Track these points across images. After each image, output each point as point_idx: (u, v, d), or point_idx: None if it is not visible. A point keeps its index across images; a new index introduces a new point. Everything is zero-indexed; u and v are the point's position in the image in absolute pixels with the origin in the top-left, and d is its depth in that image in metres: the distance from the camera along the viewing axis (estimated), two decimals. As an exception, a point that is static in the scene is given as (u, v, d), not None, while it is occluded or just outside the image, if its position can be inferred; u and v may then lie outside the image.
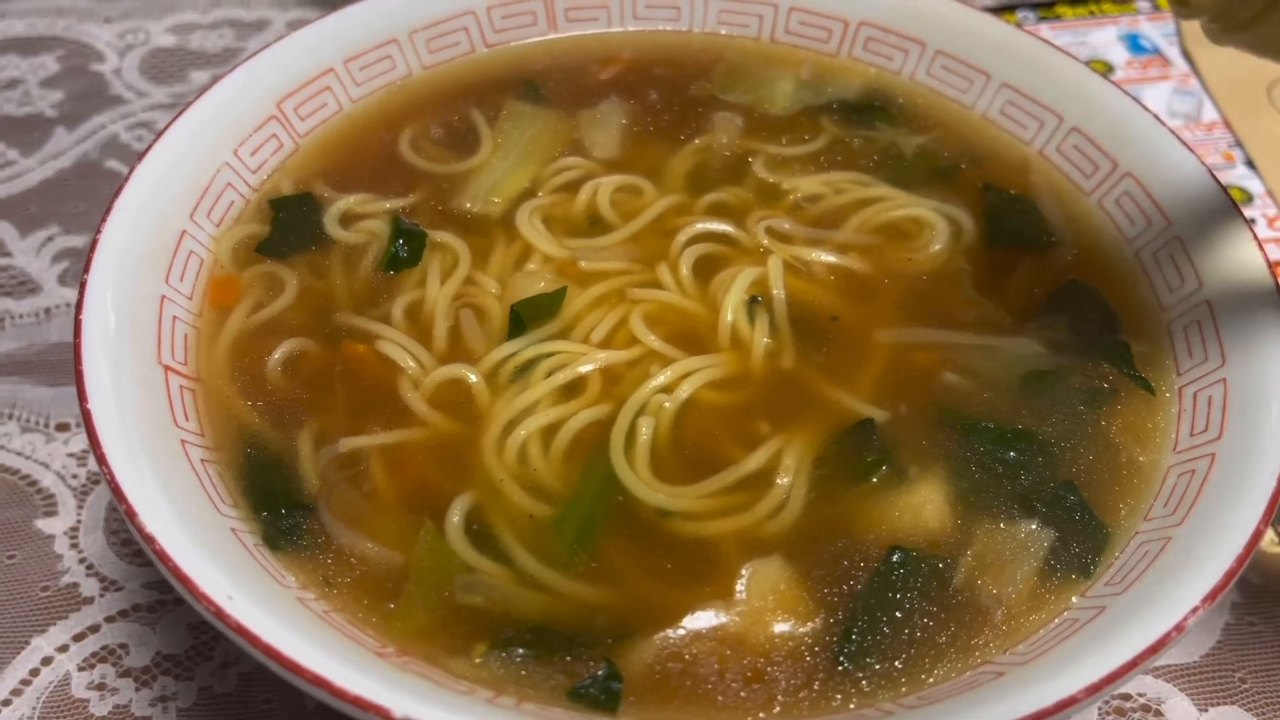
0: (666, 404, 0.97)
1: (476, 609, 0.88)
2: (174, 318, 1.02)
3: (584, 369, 1.01)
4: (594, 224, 1.14)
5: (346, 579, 0.87)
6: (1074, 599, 0.89)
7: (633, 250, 1.14)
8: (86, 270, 0.97)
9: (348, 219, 1.12)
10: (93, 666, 1.03)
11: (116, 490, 0.82)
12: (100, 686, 1.02)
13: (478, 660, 0.84)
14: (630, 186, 1.20)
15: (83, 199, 1.50)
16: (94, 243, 0.99)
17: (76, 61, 1.71)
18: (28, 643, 1.05)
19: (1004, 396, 1.00)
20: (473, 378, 1.01)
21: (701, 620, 0.87)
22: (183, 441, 0.93)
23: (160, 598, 1.07)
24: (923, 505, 0.93)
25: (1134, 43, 1.73)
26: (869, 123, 1.26)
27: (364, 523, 0.90)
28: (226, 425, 0.98)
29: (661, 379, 0.98)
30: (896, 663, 0.85)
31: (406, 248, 1.08)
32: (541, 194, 1.18)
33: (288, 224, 1.11)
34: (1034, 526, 0.93)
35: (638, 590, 0.89)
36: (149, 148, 1.09)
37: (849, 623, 0.85)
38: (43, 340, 1.34)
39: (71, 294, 1.38)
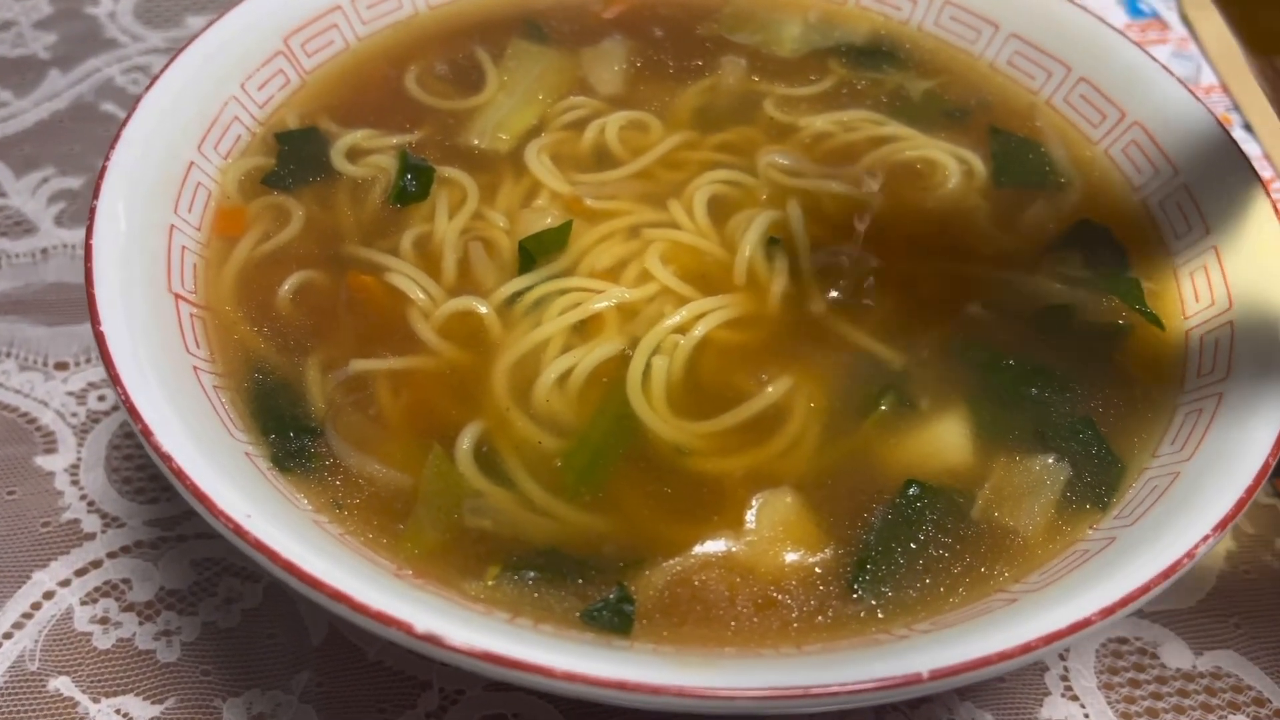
0: (681, 342, 0.97)
1: (485, 532, 0.87)
2: (183, 247, 1.01)
3: (599, 305, 1.01)
4: (601, 160, 1.13)
5: (356, 500, 0.87)
6: (1088, 531, 0.89)
7: (640, 187, 1.13)
8: (96, 195, 0.96)
9: (354, 153, 1.11)
10: (95, 601, 1.03)
11: (132, 409, 0.82)
12: (103, 620, 1.02)
13: (490, 582, 0.84)
14: (638, 123, 1.20)
15: (78, 141, 1.48)
16: (103, 169, 0.98)
17: (69, 4, 1.68)
18: (29, 577, 1.04)
19: (1021, 330, 1.01)
20: (484, 310, 1.01)
21: (712, 549, 0.87)
22: (194, 368, 0.92)
23: (163, 534, 1.06)
24: (940, 440, 0.93)
25: (1133, 6, 1.73)
26: (876, 66, 1.26)
27: (371, 446, 0.90)
28: (235, 352, 0.97)
29: (677, 318, 0.98)
30: (911, 591, 0.86)
31: (415, 182, 1.07)
32: (548, 131, 1.18)
33: (293, 157, 1.10)
34: (1050, 460, 0.93)
35: (647, 521, 0.89)
36: (156, 76, 1.07)
37: (863, 553, 0.86)
38: (39, 280, 1.32)
39: (68, 235, 1.37)
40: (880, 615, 0.85)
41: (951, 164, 1.15)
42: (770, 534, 0.87)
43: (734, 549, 0.87)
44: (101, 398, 1.21)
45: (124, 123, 1.02)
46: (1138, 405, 0.97)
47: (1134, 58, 1.17)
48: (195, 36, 1.11)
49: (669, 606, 0.84)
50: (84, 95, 1.55)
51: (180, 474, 0.79)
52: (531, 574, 0.85)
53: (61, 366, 1.24)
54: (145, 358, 0.87)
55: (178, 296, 0.97)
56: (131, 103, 1.05)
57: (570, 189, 1.11)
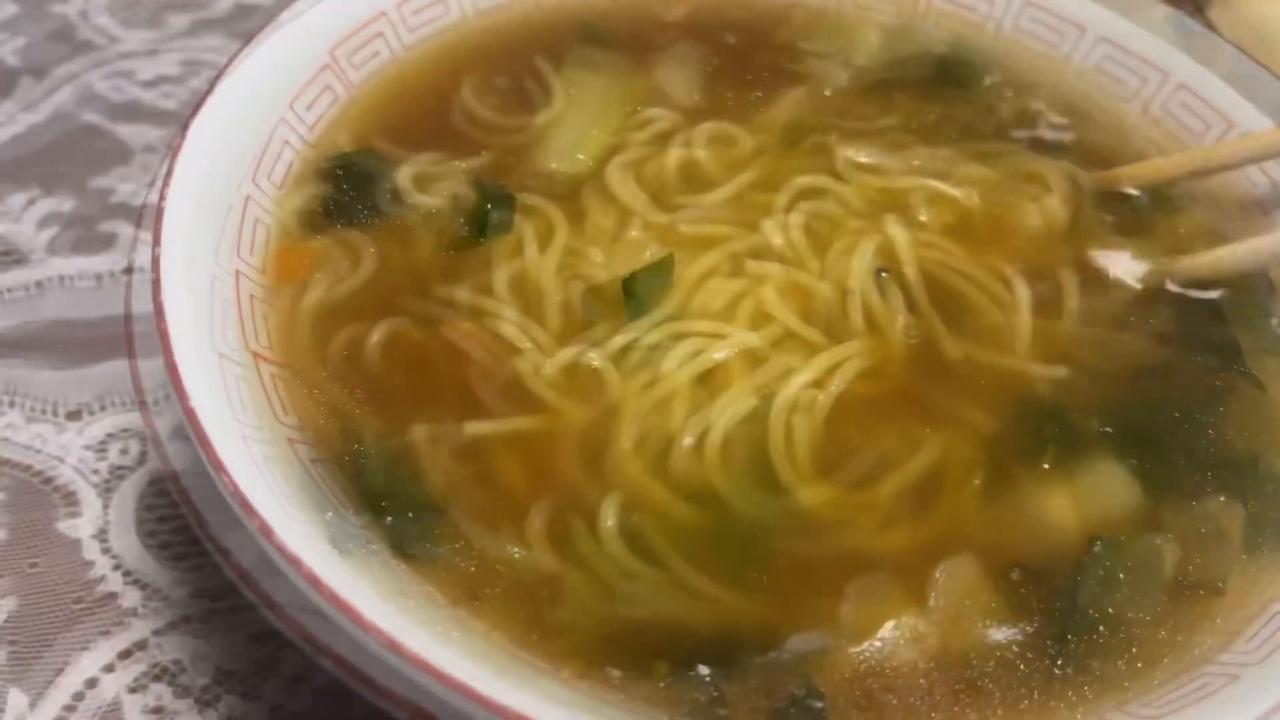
0: (820, 399, 0.89)
1: (644, 623, 0.78)
2: (252, 296, 0.90)
3: (722, 354, 0.92)
4: (690, 180, 1.06)
5: (495, 590, 0.79)
6: (1290, 582, 0.83)
7: (734, 209, 1.04)
8: (157, 242, 0.84)
9: (421, 180, 1.02)
10: (145, 688, 0.92)
11: (245, 505, 0.71)
12: (157, 710, 0.90)
13: (662, 683, 0.75)
14: (723, 136, 1.10)
15: (62, 158, 1.34)
16: (159, 211, 0.86)
17: (36, 2, 1.52)
18: (67, 663, 0.92)
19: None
20: (597, 362, 0.91)
21: (896, 630, 0.79)
22: (290, 440, 0.82)
23: (212, 606, 0.96)
24: (1104, 486, 0.87)
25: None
26: (963, 81, 1.18)
27: (502, 523, 0.82)
28: (324, 417, 0.87)
29: (809, 373, 0.90)
30: (1119, 663, 0.79)
31: (495, 212, 0.98)
32: (629, 148, 1.08)
33: (353, 184, 1.01)
34: (1223, 499, 0.87)
35: (815, 602, 0.81)
36: (202, 100, 0.95)
37: (1062, 623, 0.79)
38: (39, 317, 1.18)
39: (64, 264, 1.23)
40: (1089, 694, 0.77)
41: (1057, 177, 1.09)
42: (958, 609, 0.80)
43: (921, 628, 0.79)
44: (124, 450, 1.09)
45: (174, 153, 0.90)
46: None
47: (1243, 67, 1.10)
48: (242, 49, 1.00)
49: (862, 700, 0.76)
50: (63, 105, 1.41)
51: (316, 581, 0.68)
52: (705, 670, 0.76)
53: (74, 416, 1.11)
54: (246, 436, 0.76)
55: (257, 356, 0.85)
56: (177, 127, 0.92)
57: (663, 217, 1.02)
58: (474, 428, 0.86)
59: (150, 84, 1.45)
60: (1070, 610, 0.81)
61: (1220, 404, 0.94)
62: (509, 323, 0.93)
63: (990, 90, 1.18)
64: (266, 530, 0.70)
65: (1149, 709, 0.75)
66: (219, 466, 0.72)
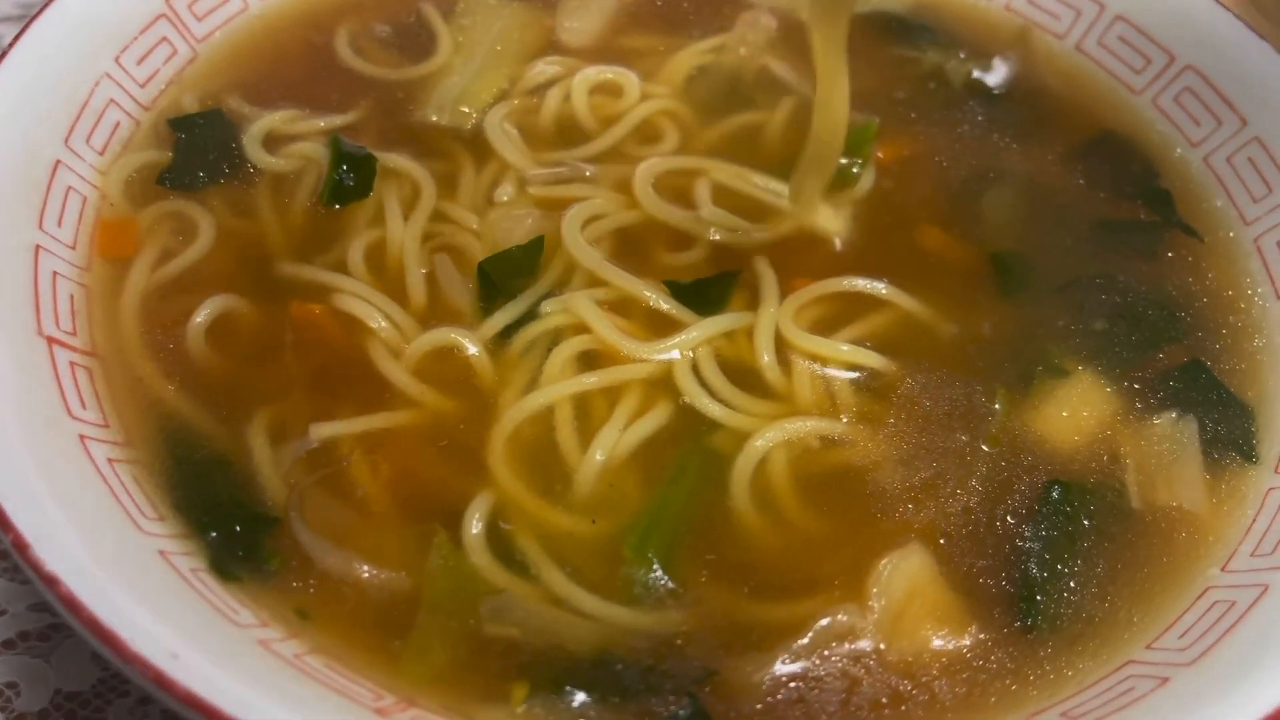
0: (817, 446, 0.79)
1: (510, 642, 0.68)
2: (54, 273, 0.78)
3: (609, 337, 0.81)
4: (566, 134, 0.96)
5: (333, 610, 0.69)
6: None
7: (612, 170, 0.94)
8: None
9: (273, 141, 0.92)
10: (-23, 713, 0.82)
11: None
12: (-12, 741, 0.81)
13: (519, 708, 0.66)
14: (609, 85, 0.99)
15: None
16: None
17: None
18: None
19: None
20: (471, 348, 0.80)
21: (828, 633, 0.69)
22: (81, 437, 0.70)
23: (53, 621, 0.85)
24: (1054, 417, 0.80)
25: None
26: (914, 42, 1.08)
27: (352, 536, 0.72)
28: (143, 415, 0.75)
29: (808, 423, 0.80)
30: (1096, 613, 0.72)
31: (352, 175, 0.89)
32: (515, 99, 0.97)
33: (195, 149, 0.91)
34: (1174, 415, 0.80)
35: (725, 608, 0.70)
36: (3, 53, 0.82)
37: (1026, 587, 0.72)
38: None
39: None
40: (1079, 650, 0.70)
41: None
42: (904, 601, 0.70)
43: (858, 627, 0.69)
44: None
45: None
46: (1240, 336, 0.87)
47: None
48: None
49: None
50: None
51: (73, 603, 0.58)
52: (573, 693, 0.66)
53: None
54: (12, 431, 0.66)
55: (52, 340, 0.74)
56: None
57: (542, 170, 0.92)
58: (323, 429, 0.75)
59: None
60: (1035, 567, 0.73)
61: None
62: (361, 299, 0.81)
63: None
64: (20, 545, 0.60)
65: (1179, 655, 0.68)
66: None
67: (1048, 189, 0.95)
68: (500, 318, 0.81)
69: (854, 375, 0.81)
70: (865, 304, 0.85)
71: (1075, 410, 0.80)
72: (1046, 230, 0.92)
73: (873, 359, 0.82)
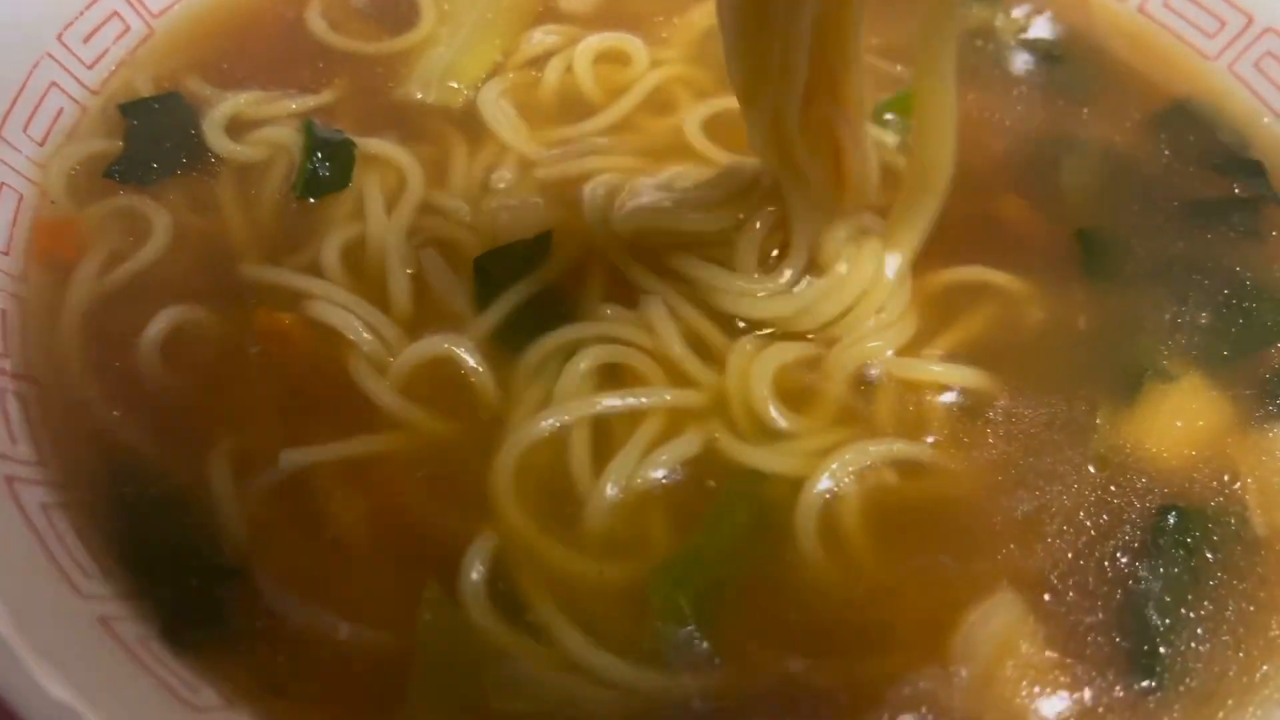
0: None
1: (521, 717, 0.57)
2: (-19, 283, 0.67)
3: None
4: (569, 108, 0.86)
5: (309, 683, 0.58)
6: None
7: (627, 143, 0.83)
8: None
9: (239, 127, 0.82)
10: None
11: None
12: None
13: None
14: (615, 53, 0.89)
15: None
16: None
17: None
18: None
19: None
20: (469, 360, 0.69)
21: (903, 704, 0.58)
22: (8, 479, 0.60)
23: None
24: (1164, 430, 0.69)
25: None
26: None
27: (327, 589, 0.61)
28: (83, 446, 0.65)
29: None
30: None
31: (328, 163, 0.79)
32: (511, 72, 0.87)
33: (148, 137, 0.80)
34: None
35: (777, 672, 0.59)
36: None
37: (1144, 638, 0.61)
38: None
39: None
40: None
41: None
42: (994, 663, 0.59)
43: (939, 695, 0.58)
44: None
45: None
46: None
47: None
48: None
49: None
50: None
51: None
52: None
53: None
54: None
55: None
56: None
57: (541, 150, 0.82)
58: (294, 455, 0.65)
59: None
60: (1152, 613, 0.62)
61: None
62: (340, 309, 0.70)
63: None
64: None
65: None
66: None
67: (1127, 160, 0.84)
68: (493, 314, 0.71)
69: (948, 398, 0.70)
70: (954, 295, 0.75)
71: (1189, 421, 0.69)
72: (1133, 206, 0.81)
73: (967, 376, 0.70)
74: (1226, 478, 0.68)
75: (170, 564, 0.60)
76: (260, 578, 0.60)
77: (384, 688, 0.57)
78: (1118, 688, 0.59)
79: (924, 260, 0.74)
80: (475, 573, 0.60)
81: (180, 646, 0.58)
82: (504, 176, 0.80)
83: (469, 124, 0.83)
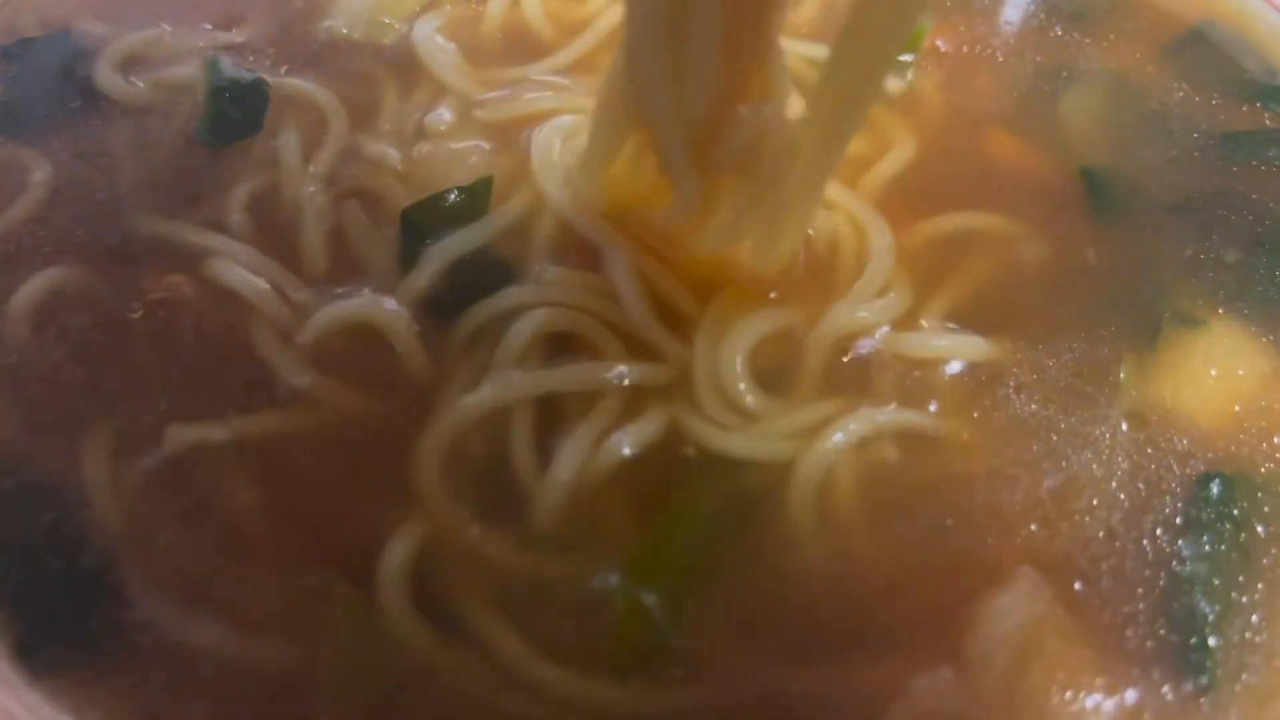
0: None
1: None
2: None
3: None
4: (515, 46, 0.79)
5: (190, 709, 0.50)
6: None
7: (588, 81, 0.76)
8: None
9: (135, 66, 0.74)
10: None
11: None
12: None
13: None
14: None
15: None
16: None
17: None
18: None
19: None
20: (391, 324, 0.61)
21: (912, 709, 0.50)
22: None
23: None
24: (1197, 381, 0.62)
25: None
26: None
27: (217, 593, 0.53)
28: None
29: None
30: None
31: (237, 106, 0.72)
32: (449, 5, 0.80)
33: (31, 80, 0.73)
34: None
35: (763, 677, 0.51)
36: None
37: (1191, 629, 0.53)
38: None
39: None
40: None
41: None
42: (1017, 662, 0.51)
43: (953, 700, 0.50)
44: None
45: None
46: None
47: None
48: None
49: None
50: None
51: None
52: None
53: None
54: None
55: None
56: None
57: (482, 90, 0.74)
58: (180, 434, 0.56)
59: None
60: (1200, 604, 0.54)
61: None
62: (237, 265, 0.62)
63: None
64: None
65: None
66: None
67: (1139, 91, 0.77)
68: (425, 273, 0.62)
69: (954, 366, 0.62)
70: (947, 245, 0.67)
71: (1227, 370, 0.61)
72: (1145, 142, 0.74)
73: (974, 346, 0.62)
74: (1278, 439, 0.60)
75: (27, 569, 0.52)
76: (136, 583, 0.52)
77: (283, 713, 0.49)
78: (1165, 688, 0.51)
79: (901, 214, 0.67)
80: (395, 573, 0.52)
81: (37, 671, 0.50)
82: (442, 117, 0.72)
83: (402, 62, 0.76)
